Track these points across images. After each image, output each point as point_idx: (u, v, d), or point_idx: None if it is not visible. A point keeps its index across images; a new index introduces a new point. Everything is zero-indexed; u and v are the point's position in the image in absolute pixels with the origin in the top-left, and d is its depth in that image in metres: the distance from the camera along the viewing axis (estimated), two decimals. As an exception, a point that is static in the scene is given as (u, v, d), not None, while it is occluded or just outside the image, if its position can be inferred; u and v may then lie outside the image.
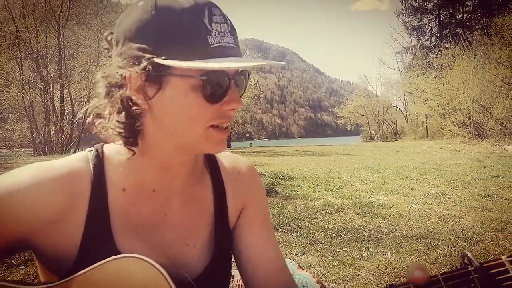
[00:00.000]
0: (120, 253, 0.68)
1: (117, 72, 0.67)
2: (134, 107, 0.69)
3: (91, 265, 0.66)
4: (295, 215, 4.29)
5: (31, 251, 0.75)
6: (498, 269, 0.58)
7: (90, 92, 20.65)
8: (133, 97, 0.68)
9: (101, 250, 0.70)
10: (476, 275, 0.58)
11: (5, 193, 0.66)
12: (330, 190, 6.01)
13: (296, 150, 18.93)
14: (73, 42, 22.69)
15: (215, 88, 0.67)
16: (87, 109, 0.75)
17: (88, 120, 0.76)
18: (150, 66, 0.64)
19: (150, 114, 0.70)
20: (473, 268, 0.59)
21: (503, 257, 0.59)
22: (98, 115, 0.74)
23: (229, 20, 0.69)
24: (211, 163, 0.91)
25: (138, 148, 0.73)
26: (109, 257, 0.66)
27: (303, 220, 4.10)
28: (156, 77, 0.65)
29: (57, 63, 21.87)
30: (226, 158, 0.94)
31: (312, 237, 3.48)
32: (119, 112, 0.70)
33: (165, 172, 0.79)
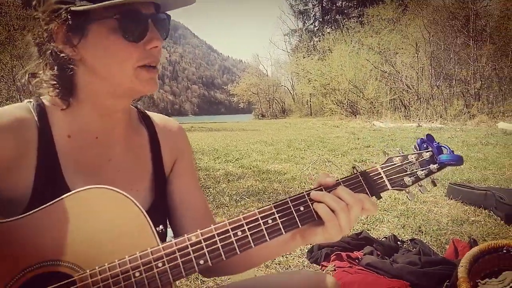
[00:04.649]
0: None
1: (43, 29, 0.74)
2: (64, 59, 0.75)
3: (45, 204, 0.69)
4: (200, 184, 4.44)
5: None
6: (375, 173, 0.85)
7: None
8: (61, 49, 0.75)
9: (54, 192, 0.72)
10: (362, 178, 0.83)
11: None
12: (230, 161, 6.31)
13: (192, 127, 18.90)
14: None
15: (133, 27, 0.73)
16: (25, 71, 0.80)
17: (23, 80, 0.81)
18: (68, 16, 0.70)
19: (82, 65, 0.76)
20: (359, 173, 0.84)
21: (377, 166, 0.86)
22: (33, 75, 0.80)
23: None
24: (145, 119, 0.99)
25: (76, 99, 0.80)
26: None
27: (208, 188, 4.29)
28: (77, 25, 0.71)
29: None
30: (158, 117, 1.03)
31: (218, 201, 3.70)
32: (51, 66, 0.76)
33: (105, 119, 0.84)
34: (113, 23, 0.72)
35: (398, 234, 2.72)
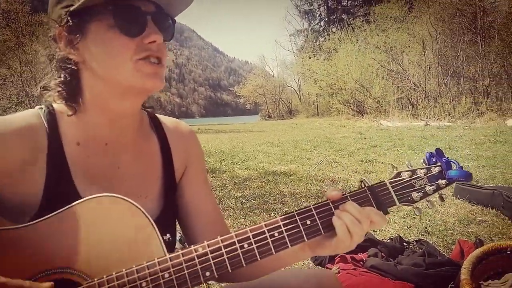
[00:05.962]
0: None
1: (49, 37, 0.79)
2: (69, 63, 0.78)
3: (56, 211, 0.69)
4: (207, 187, 4.48)
5: None
6: (383, 188, 0.86)
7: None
8: (66, 54, 0.77)
9: (65, 198, 0.73)
10: (369, 192, 0.85)
11: None
12: (236, 163, 6.34)
13: (199, 129, 18.99)
14: None
15: (129, 22, 0.74)
16: (40, 86, 0.84)
17: (35, 94, 0.85)
18: (68, 18, 0.73)
19: (85, 69, 0.79)
20: (367, 187, 0.85)
21: (386, 180, 0.87)
22: (45, 88, 0.83)
23: None
24: (156, 124, 0.98)
25: (83, 105, 0.82)
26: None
27: (213, 190, 4.32)
28: (76, 26, 0.74)
29: None
30: (169, 120, 1.01)
31: (224, 204, 3.73)
32: (58, 73, 0.80)
33: (114, 125, 0.85)
34: (111, 19, 0.73)
35: (404, 235, 2.73)
